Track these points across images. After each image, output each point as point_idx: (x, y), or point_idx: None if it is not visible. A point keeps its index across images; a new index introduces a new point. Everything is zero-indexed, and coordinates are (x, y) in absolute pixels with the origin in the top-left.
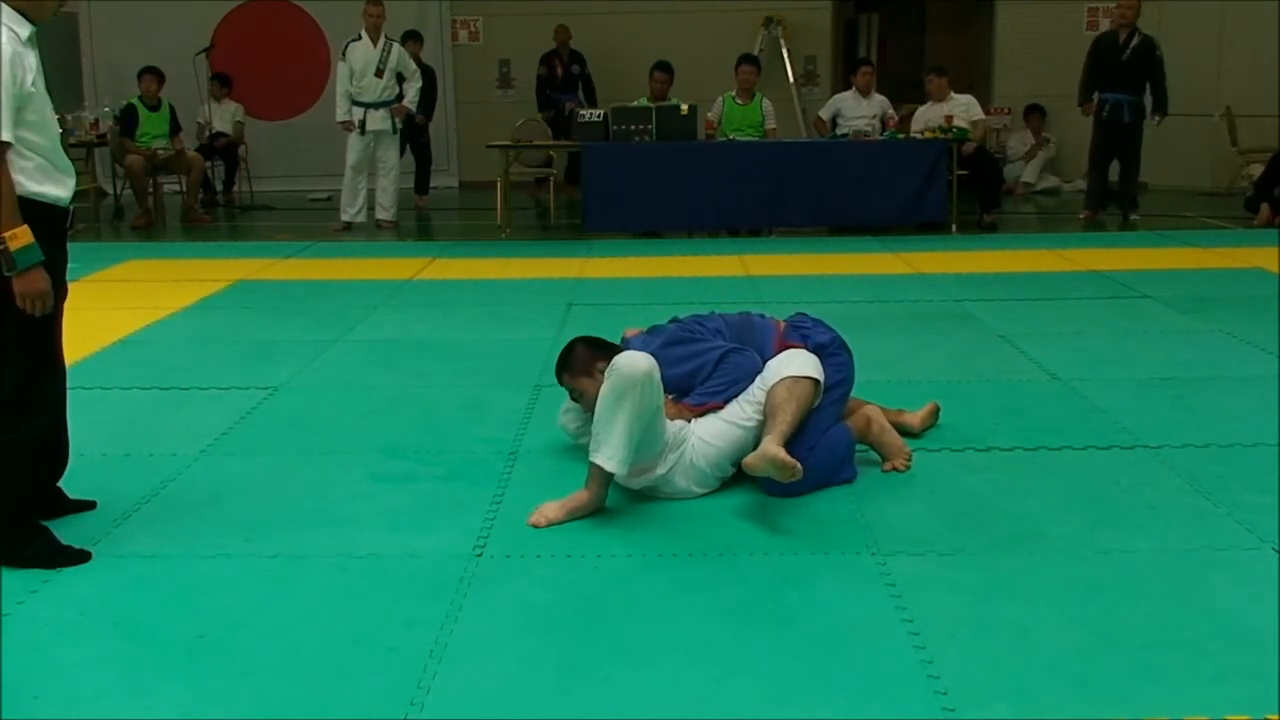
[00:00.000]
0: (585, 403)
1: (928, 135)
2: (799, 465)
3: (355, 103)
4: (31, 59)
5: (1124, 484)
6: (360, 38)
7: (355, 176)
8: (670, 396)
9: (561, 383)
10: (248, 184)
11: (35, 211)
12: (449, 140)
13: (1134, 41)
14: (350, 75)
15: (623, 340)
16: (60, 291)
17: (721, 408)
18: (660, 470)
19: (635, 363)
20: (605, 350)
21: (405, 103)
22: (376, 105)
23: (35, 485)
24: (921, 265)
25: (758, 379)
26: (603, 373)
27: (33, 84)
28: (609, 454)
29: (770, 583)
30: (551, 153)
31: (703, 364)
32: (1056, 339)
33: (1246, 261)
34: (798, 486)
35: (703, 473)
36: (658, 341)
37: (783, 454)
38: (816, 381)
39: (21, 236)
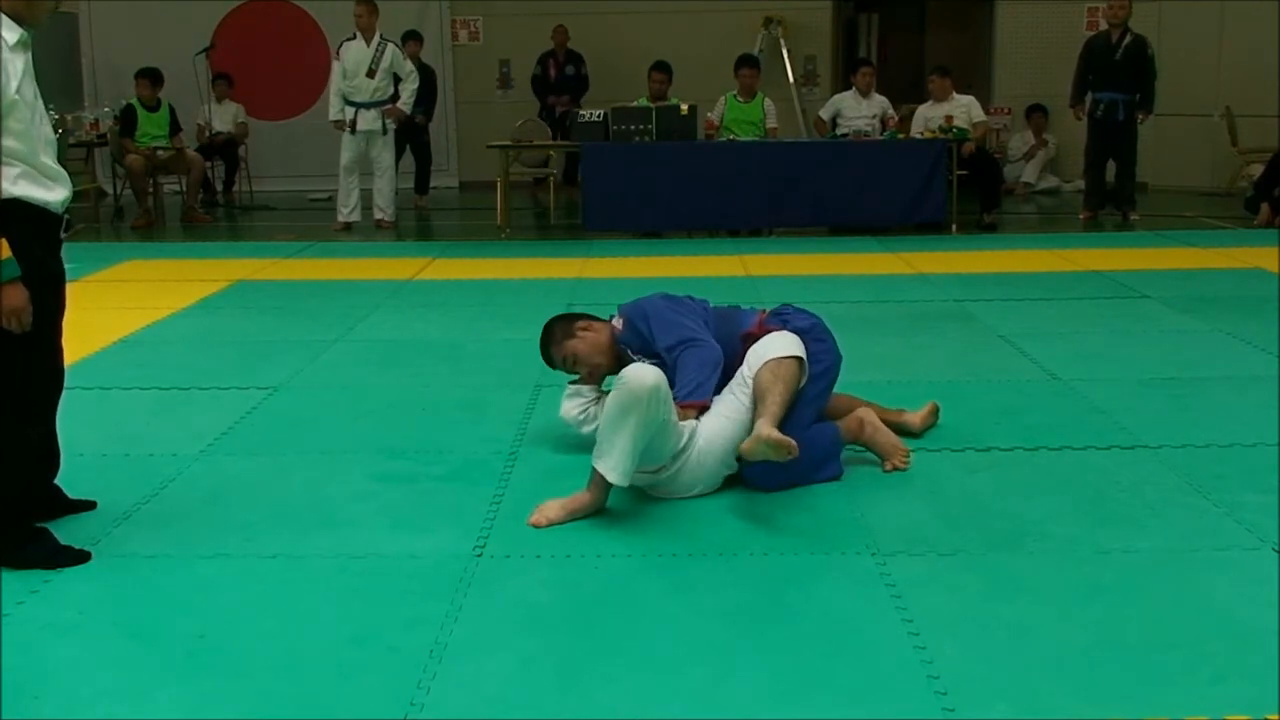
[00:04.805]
0: (582, 365)
1: (927, 135)
2: (794, 443)
3: (348, 102)
4: (19, 64)
5: (1124, 484)
6: (354, 37)
7: (348, 176)
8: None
9: (551, 363)
10: (248, 184)
11: (21, 212)
12: (449, 140)
13: (1126, 41)
14: (343, 75)
15: (619, 310)
16: (58, 302)
17: (708, 405)
18: (668, 470)
19: (643, 377)
20: (580, 317)
21: (400, 104)
22: (368, 105)
23: (34, 486)
24: (921, 265)
25: (744, 367)
26: (585, 330)
27: (17, 90)
28: (611, 465)
29: (770, 583)
30: (551, 153)
31: (678, 340)
32: (1056, 339)
33: (1246, 261)
34: (779, 479)
35: (708, 469)
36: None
37: (776, 434)
38: (800, 359)
39: None
